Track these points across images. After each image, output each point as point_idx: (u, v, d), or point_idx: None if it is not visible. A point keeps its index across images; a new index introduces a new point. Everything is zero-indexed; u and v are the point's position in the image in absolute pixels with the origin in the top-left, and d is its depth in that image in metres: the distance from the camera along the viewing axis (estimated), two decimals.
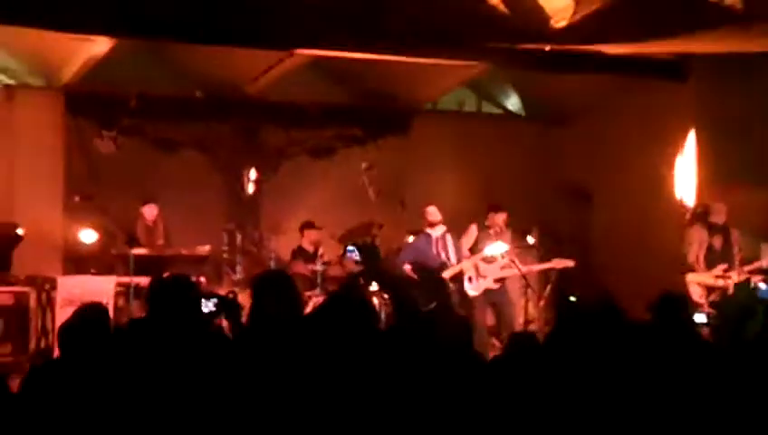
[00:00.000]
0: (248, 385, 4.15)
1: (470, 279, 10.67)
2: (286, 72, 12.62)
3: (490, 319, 10.98)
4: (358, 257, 10.86)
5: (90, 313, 4.90)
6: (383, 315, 10.54)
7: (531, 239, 11.99)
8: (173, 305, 4.82)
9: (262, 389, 4.08)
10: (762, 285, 10.44)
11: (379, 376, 4.05)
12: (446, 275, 10.75)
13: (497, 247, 10.62)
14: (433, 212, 11.05)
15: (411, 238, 12.04)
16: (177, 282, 5.10)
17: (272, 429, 3.86)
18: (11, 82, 12.59)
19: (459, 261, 10.74)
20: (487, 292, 10.66)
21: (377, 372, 4.08)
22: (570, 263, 11.07)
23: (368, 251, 10.82)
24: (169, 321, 4.75)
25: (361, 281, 10.88)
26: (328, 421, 3.78)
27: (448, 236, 11.00)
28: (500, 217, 10.93)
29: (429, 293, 10.30)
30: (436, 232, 11.02)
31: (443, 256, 10.91)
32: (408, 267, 10.91)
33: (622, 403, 3.98)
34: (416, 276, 10.78)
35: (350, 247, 11.42)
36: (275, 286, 5.27)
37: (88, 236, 11.41)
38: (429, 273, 10.69)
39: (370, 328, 4.73)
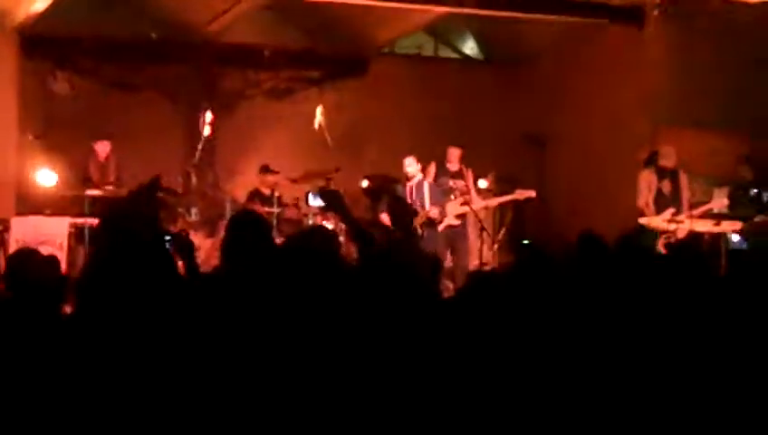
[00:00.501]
0: (214, 328, 4.13)
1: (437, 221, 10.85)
2: (243, 14, 12.54)
3: (447, 261, 11.06)
4: (321, 203, 10.84)
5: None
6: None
7: (484, 182, 12.08)
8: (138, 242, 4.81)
9: (230, 331, 4.07)
10: (734, 236, 10.50)
11: (349, 316, 4.07)
12: (417, 222, 10.88)
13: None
14: (409, 163, 11.10)
15: (365, 182, 12.14)
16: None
17: (240, 370, 3.85)
18: None
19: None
20: (448, 230, 10.81)
21: (346, 311, 4.10)
22: (532, 193, 11.15)
23: (331, 197, 10.76)
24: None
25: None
26: (298, 362, 3.79)
27: (426, 184, 11.08)
28: (456, 152, 11.12)
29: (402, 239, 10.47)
30: (412, 182, 11.13)
31: (417, 204, 11.01)
32: (384, 216, 11.06)
33: (591, 342, 4.02)
34: (390, 225, 10.91)
35: (312, 194, 11.44)
36: (252, 227, 5.27)
37: (43, 176, 11.32)
38: (402, 221, 10.86)
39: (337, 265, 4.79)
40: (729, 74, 11.76)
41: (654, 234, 10.29)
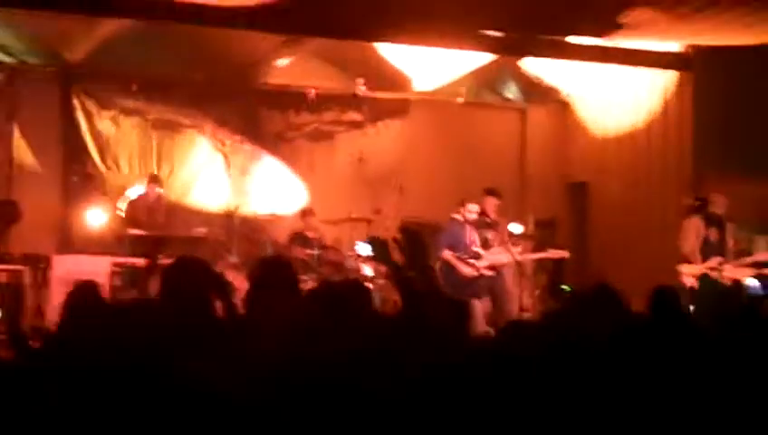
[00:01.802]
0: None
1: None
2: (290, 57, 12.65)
3: (487, 306, 10.96)
4: (370, 251, 10.77)
5: (84, 290, 4.91)
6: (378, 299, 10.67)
7: (519, 227, 11.85)
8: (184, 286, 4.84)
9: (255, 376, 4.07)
10: (751, 281, 10.38)
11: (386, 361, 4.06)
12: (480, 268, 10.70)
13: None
14: (472, 209, 10.80)
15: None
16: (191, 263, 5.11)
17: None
18: (12, 60, 12.56)
19: None
20: (483, 278, 10.69)
21: (384, 356, 4.09)
22: (564, 254, 11.06)
23: (379, 245, 10.71)
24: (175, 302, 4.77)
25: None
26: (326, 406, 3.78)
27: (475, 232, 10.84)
28: (493, 202, 10.93)
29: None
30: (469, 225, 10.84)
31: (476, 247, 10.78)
32: (447, 253, 10.71)
33: (618, 394, 3.98)
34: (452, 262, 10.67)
35: (361, 243, 11.41)
36: (276, 270, 5.28)
37: (88, 216, 11.43)
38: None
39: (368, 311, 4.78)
40: None
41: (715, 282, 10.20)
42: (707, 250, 10.52)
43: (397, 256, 5.11)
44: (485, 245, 10.80)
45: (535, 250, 11.33)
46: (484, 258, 10.66)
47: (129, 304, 5.68)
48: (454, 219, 10.82)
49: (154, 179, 11.71)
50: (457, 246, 10.75)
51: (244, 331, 4.79)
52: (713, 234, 10.62)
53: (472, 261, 10.64)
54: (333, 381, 3.81)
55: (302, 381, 3.84)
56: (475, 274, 10.62)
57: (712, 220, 10.63)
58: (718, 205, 10.65)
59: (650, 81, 12.60)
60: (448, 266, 10.62)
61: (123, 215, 11.27)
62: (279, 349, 4.19)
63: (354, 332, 4.42)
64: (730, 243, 10.63)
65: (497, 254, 10.73)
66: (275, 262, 5.92)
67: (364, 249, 11.05)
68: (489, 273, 10.69)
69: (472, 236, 10.77)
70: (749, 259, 10.48)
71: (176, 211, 11.85)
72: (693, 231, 10.60)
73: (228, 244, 11.50)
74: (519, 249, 11.00)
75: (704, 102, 12.07)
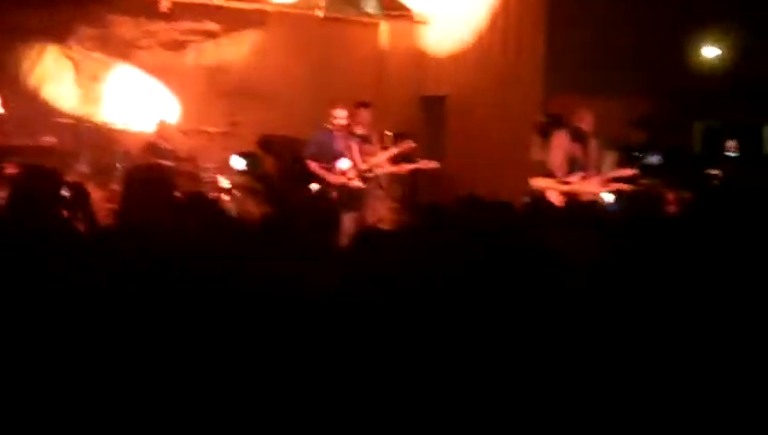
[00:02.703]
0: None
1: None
2: None
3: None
4: (244, 167, 10.57)
5: None
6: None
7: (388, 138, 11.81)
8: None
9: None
10: (607, 196, 10.55)
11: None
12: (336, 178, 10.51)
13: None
14: (341, 114, 10.58)
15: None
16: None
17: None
18: None
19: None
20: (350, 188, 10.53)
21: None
22: (435, 164, 11.08)
23: (251, 160, 10.56)
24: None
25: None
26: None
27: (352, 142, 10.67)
28: (368, 114, 10.82)
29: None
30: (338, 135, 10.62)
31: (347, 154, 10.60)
32: (313, 164, 10.50)
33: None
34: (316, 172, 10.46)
35: (235, 157, 11.19)
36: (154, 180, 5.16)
37: None
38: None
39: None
40: (626, 36, 11.94)
41: None
42: (572, 166, 10.68)
43: (268, 168, 5.10)
44: (361, 153, 10.61)
45: (395, 163, 11.27)
46: (355, 166, 10.55)
47: None
48: (322, 127, 10.62)
49: None
50: (325, 154, 10.57)
51: (108, 242, 4.65)
52: (577, 150, 10.77)
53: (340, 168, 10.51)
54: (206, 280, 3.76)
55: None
56: (343, 182, 10.49)
57: (577, 136, 10.77)
58: (585, 121, 10.78)
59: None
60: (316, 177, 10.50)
61: None
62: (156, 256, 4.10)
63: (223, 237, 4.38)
64: (593, 157, 10.79)
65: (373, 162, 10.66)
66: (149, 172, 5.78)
67: (238, 163, 10.79)
68: (358, 184, 10.58)
69: (341, 145, 10.61)
70: (609, 174, 10.68)
71: (22, 119, 11.40)
72: (559, 145, 10.71)
73: (78, 153, 11.16)
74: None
75: (555, 22, 12.24)
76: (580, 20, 11.95)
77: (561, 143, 10.71)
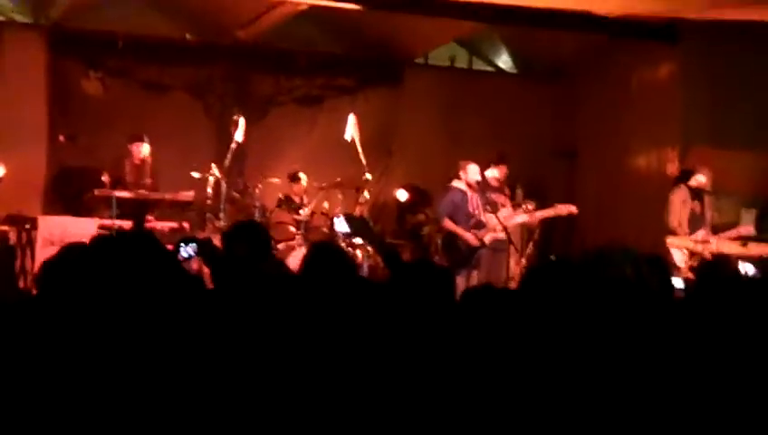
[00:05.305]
0: (225, 334, 4.10)
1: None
2: (278, 20, 12.52)
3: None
4: (347, 229, 10.60)
5: (72, 252, 4.83)
6: (366, 268, 10.62)
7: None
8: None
9: (241, 339, 4.04)
10: (747, 266, 10.17)
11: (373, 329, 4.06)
12: (487, 239, 10.50)
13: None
14: (475, 171, 10.60)
15: (403, 194, 12.02)
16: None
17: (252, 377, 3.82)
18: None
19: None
20: (494, 242, 10.47)
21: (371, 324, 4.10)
22: (573, 209, 10.80)
23: (357, 223, 10.58)
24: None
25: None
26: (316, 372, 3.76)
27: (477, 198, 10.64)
28: (504, 170, 10.81)
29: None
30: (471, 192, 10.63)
31: (477, 215, 10.59)
32: (449, 223, 10.53)
33: (591, 356, 3.96)
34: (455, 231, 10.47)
35: (338, 218, 11.27)
36: (246, 233, 5.26)
37: (74, 177, 11.33)
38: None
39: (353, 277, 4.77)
40: (762, 93, 11.68)
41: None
42: (693, 223, 10.48)
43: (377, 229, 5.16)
44: (494, 208, 10.49)
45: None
46: (489, 225, 10.46)
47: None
48: (453, 187, 10.64)
49: (140, 139, 11.48)
50: (458, 213, 10.54)
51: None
52: (697, 206, 10.58)
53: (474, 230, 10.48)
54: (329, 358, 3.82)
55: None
56: (477, 243, 10.49)
57: (695, 193, 10.59)
58: (702, 177, 10.60)
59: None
60: (450, 235, 10.52)
61: (109, 176, 11.14)
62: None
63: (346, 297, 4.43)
64: (709, 215, 10.58)
65: (508, 215, 10.57)
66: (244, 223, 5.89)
67: (340, 226, 10.77)
68: (500, 236, 10.34)
69: (474, 203, 10.57)
70: (733, 232, 10.45)
71: (162, 175, 11.71)
72: (679, 202, 10.55)
73: (216, 207, 11.39)
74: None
75: (691, 75, 12.05)
76: (720, 70, 11.77)
77: (681, 199, 10.51)
